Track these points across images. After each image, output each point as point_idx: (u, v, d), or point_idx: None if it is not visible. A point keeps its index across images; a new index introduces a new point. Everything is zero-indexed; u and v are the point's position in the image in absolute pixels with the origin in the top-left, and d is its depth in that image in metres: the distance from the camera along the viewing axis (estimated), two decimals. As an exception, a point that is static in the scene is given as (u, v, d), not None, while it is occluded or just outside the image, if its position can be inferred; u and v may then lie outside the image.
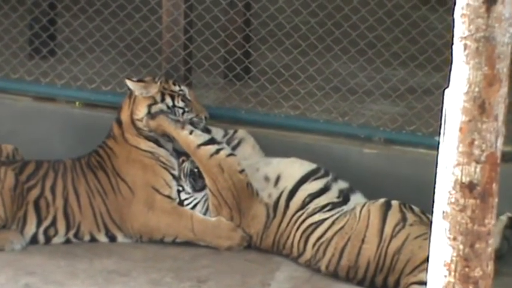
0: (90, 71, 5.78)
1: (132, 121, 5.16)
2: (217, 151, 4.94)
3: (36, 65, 6.14)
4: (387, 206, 4.79)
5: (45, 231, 5.02)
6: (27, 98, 6.02)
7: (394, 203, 4.81)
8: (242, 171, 5.10)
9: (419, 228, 4.73)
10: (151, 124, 4.96)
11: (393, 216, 4.77)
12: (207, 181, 5.10)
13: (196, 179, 5.13)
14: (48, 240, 5.01)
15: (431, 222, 3.85)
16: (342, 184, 5.02)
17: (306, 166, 5.05)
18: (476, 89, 2.64)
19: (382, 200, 4.84)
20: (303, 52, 5.50)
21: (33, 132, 5.75)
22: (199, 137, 4.94)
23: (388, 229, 4.72)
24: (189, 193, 5.18)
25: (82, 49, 5.95)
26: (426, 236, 4.54)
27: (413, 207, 4.88)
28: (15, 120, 5.70)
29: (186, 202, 5.14)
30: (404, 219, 4.76)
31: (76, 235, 5.04)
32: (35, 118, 5.83)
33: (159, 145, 5.16)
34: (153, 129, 5.03)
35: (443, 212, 2.71)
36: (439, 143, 2.70)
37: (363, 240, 4.74)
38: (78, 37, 6.17)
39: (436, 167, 2.61)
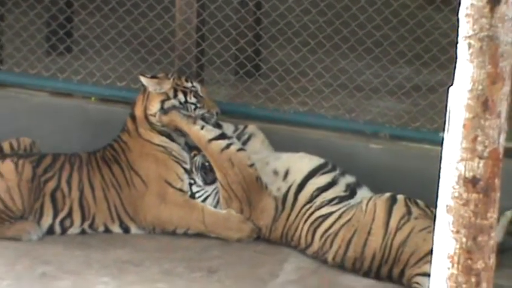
0: (106, 67, 5.78)
1: (146, 116, 5.15)
2: (228, 146, 4.97)
3: (53, 61, 6.17)
4: (393, 200, 4.80)
5: (61, 222, 5.03)
6: (44, 93, 6.00)
7: (400, 197, 4.82)
8: (252, 165, 5.10)
9: (423, 221, 4.73)
10: (164, 119, 4.99)
11: (398, 210, 4.77)
12: (218, 175, 5.09)
13: (208, 173, 5.12)
14: (64, 231, 5.02)
15: (435, 216, 3.82)
16: (349, 178, 5.01)
17: (315, 161, 5.05)
18: (480, 87, 2.64)
19: (387, 194, 4.83)
20: (312, 50, 5.51)
21: (50, 126, 5.73)
22: (210, 132, 4.94)
23: (393, 222, 4.73)
24: (200, 186, 5.16)
25: (98, 46, 5.97)
26: (430, 229, 4.48)
27: (418, 201, 4.89)
28: (32, 114, 5.71)
29: (197, 195, 5.13)
30: (409, 213, 4.77)
31: (91, 226, 5.04)
32: (51, 113, 5.82)
33: (172, 140, 5.14)
34: (166, 124, 5.04)
35: (447, 206, 2.71)
36: (443, 139, 2.69)
37: (369, 233, 4.75)
38: (94, 34, 6.20)
39: (440, 162, 2.67)
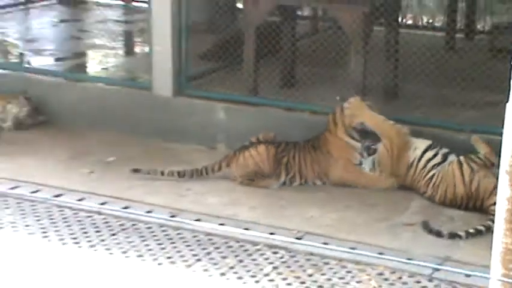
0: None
1: (343, 124, 6.06)
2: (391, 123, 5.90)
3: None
4: (460, 164, 5.74)
5: (290, 180, 6.16)
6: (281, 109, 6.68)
7: (462, 159, 5.74)
8: (406, 133, 5.90)
9: (484, 171, 5.60)
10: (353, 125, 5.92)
11: (466, 170, 5.71)
12: (383, 141, 5.92)
13: (369, 151, 6.07)
14: (290, 184, 6.13)
15: (493, 163, 5.17)
16: (444, 150, 5.86)
17: (427, 142, 5.95)
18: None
19: (456, 160, 5.74)
20: None
21: (284, 132, 6.36)
22: (380, 117, 5.94)
23: (466, 178, 5.69)
24: (365, 160, 6.07)
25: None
26: (489, 173, 5.53)
27: (475, 157, 5.67)
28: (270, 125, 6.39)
29: (362, 165, 6.14)
30: (472, 169, 5.66)
31: (305, 182, 6.12)
32: (286, 125, 6.48)
33: (353, 138, 6.11)
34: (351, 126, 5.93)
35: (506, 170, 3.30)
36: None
37: (454, 185, 5.70)
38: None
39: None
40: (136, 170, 6.15)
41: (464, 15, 8.98)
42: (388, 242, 5.17)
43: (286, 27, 7.30)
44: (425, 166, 5.88)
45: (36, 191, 5.96)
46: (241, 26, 7.10)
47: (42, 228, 5.44)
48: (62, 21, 9.91)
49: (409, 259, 4.73)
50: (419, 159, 5.92)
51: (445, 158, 5.87)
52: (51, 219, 5.59)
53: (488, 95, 5.99)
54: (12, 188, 5.91)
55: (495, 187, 4.67)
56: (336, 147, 6.12)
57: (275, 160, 6.12)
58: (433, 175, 5.80)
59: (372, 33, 6.83)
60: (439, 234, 5.25)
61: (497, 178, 3.60)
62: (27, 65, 8.06)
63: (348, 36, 6.50)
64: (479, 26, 9.28)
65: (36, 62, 8.09)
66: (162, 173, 6.14)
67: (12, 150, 6.62)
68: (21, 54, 8.55)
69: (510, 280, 3.35)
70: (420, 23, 10.16)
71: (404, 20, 8.89)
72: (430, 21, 10.27)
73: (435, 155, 5.90)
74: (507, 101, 3.32)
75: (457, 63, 7.21)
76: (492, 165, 5.47)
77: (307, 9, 8.80)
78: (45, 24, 9.72)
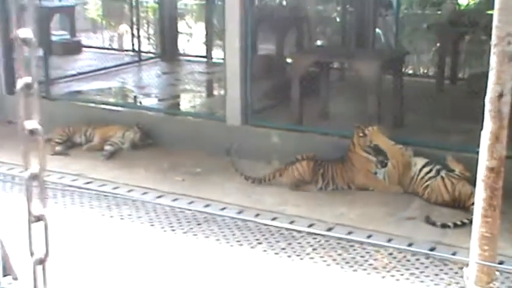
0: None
1: (359, 144, 5.94)
2: (399, 147, 5.75)
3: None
4: (443, 179, 5.53)
5: (325, 186, 5.98)
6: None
7: (444, 175, 5.51)
8: (410, 155, 5.75)
9: (462, 182, 5.45)
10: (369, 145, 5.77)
11: (448, 182, 5.54)
12: (391, 161, 5.76)
13: (382, 164, 5.92)
14: (325, 189, 5.94)
15: (466, 176, 5.06)
16: (438, 166, 5.66)
17: (424, 160, 5.76)
18: None
19: (440, 176, 5.54)
20: None
21: (321, 152, 6.17)
22: (390, 143, 5.78)
23: (449, 188, 5.53)
24: (379, 170, 5.89)
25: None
26: (466, 183, 5.35)
27: (454, 174, 5.49)
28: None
29: (377, 174, 5.95)
30: (452, 182, 5.51)
31: (336, 188, 5.95)
32: (322, 146, 6.24)
33: (369, 153, 5.95)
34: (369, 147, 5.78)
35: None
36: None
37: (442, 194, 5.56)
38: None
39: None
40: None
41: (449, 67, 9.12)
42: (396, 230, 5.10)
43: (322, 75, 7.30)
44: (423, 177, 5.71)
45: (145, 193, 6.03)
46: (290, 75, 7.19)
47: (150, 219, 5.47)
48: (163, 73, 10.06)
49: (410, 243, 4.75)
50: (419, 172, 5.75)
51: (438, 172, 5.68)
52: (156, 213, 5.66)
53: (467, 124, 5.76)
54: (129, 191, 5.95)
55: (472, 192, 4.61)
56: (357, 161, 5.96)
57: (314, 171, 5.99)
58: (428, 185, 5.65)
59: (384, 79, 6.74)
60: (433, 224, 5.12)
61: (474, 185, 3.52)
62: (139, 104, 8.13)
63: (366, 81, 6.42)
64: (460, 74, 9.43)
65: (146, 102, 8.17)
66: (241, 174, 6.08)
67: (129, 164, 6.65)
68: (135, 97, 8.69)
69: (484, 262, 3.32)
70: (418, 72, 10.29)
71: (406, 70, 8.90)
72: (425, 71, 10.39)
73: (431, 170, 5.72)
74: (481, 129, 3.29)
75: (445, 101, 7.40)
76: (467, 177, 5.42)
77: (337, 63, 8.83)
78: (152, 75, 9.88)
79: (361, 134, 5.85)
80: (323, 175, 5.97)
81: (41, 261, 1.33)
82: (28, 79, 1.21)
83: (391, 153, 5.81)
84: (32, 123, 1.22)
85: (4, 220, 4.09)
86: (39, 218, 1.25)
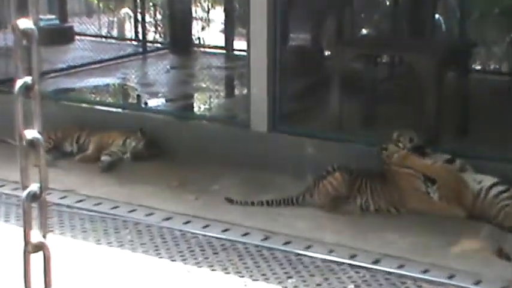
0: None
1: (390, 160, 6.17)
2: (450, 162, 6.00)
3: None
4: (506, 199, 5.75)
5: (364, 204, 6.10)
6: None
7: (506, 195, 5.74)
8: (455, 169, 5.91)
9: None
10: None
11: (507, 197, 5.76)
12: (438, 179, 5.91)
13: (432, 182, 5.99)
14: (367, 209, 6.05)
15: None
16: (502, 187, 5.82)
17: (495, 179, 5.93)
18: None
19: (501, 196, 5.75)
20: None
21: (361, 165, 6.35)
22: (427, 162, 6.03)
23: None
24: (430, 191, 6.00)
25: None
26: None
27: (506, 189, 5.74)
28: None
29: (431, 196, 6.00)
30: (507, 198, 5.73)
31: (379, 208, 6.02)
32: (363, 158, 6.39)
33: (407, 167, 6.07)
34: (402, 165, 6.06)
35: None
36: None
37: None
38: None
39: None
40: (230, 200, 6.20)
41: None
42: (459, 264, 5.14)
43: (368, 72, 7.39)
44: (497, 196, 5.84)
45: (150, 214, 6.11)
46: (328, 71, 7.27)
47: (155, 246, 5.60)
48: (172, 67, 10.18)
49: (478, 282, 4.76)
50: (489, 190, 5.90)
51: (503, 191, 5.87)
52: (163, 239, 5.73)
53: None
54: (130, 211, 6.01)
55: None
56: (397, 178, 6.15)
57: (349, 184, 6.14)
58: (507, 205, 5.78)
59: (445, 76, 6.81)
60: (508, 259, 5.18)
61: None
62: (143, 105, 8.26)
63: (422, 80, 6.54)
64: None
65: (151, 102, 8.28)
66: (253, 203, 6.13)
67: (131, 178, 6.74)
68: (139, 96, 8.77)
69: None
70: (488, 68, 10.17)
71: (473, 65, 8.78)
72: (497, 66, 10.31)
73: (508, 189, 5.86)
74: None
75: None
76: None
77: (386, 57, 8.81)
78: (158, 70, 10.00)
79: (386, 156, 6.15)
80: (359, 189, 6.11)
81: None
82: (28, 79, 1.21)
83: (432, 174, 5.95)
84: (31, 133, 1.22)
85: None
86: (38, 248, 1.23)
